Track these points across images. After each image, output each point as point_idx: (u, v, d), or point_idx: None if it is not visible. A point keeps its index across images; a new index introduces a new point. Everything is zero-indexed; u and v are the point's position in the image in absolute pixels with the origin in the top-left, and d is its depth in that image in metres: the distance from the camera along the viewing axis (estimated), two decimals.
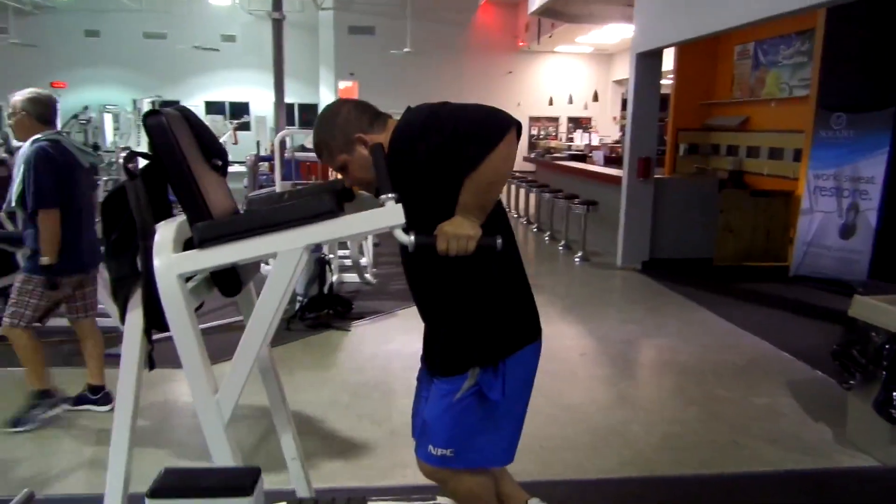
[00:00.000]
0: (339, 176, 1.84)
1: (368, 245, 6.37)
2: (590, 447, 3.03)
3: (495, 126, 1.49)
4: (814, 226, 6.06)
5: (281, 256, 1.50)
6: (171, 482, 0.70)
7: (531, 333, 1.81)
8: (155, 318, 1.62)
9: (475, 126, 1.50)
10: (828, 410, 3.37)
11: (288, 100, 11.29)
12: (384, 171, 1.53)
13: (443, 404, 1.72)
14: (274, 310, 1.53)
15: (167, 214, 1.73)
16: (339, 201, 1.58)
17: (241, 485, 0.69)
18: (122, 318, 1.71)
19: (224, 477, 0.72)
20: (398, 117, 1.69)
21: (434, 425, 1.74)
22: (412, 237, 1.52)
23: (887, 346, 2.80)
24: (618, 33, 13.29)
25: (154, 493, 0.69)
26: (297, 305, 4.84)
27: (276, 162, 6.93)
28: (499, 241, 1.54)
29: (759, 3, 4.71)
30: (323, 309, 4.86)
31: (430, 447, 1.74)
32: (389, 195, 1.49)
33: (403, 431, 3.03)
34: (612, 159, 11.55)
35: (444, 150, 1.52)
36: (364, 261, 6.15)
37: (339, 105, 1.75)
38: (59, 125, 3.50)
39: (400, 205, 1.48)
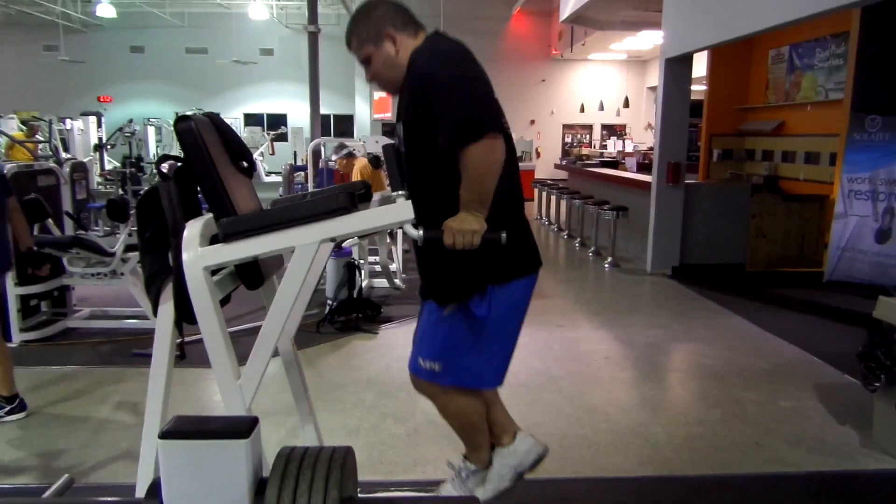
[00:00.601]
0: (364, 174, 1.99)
1: (398, 251, 6.48)
2: (610, 446, 3.06)
3: (473, 125, 1.60)
4: (848, 230, 5.96)
5: (298, 250, 1.61)
6: (180, 426, 0.80)
7: (523, 268, 1.87)
8: (185, 311, 1.74)
9: (457, 119, 1.61)
10: (855, 414, 3.33)
11: (323, 111, 11.56)
12: (394, 170, 1.63)
13: (433, 318, 1.83)
14: (292, 300, 1.63)
15: (197, 214, 1.85)
16: (353, 200, 1.68)
17: (240, 429, 0.79)
18: (155, 311, 1.84)
19: (226, 423, 0.82)
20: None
21: (425, 338, 1.84)
22: (421, 232, 1.61)
23: None
24: (651, 40, 13.21)
25: (164, 434, 0.79)
26: (327, 309, 4.97)
27: (310, 170, 7.13)
28: (503, 235, 1.62)
29: (787, 6, 4.69)
30: (352, 312, 4.98)
31: (420, 359, 1.85)
32: (400, 192, 1.58)
33: (426, 430, 3.12)
34: (645, 166, 11.49)
35: (430, 112, 1.64)
36: (393, 266, 6.26)
37: (378, 1, 1.85)
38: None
39: (410, 202, 1.58)
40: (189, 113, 1.93)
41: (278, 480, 0.72)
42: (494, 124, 1.61)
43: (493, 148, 1.60)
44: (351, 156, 6.43)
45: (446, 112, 1.61)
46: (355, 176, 6.10)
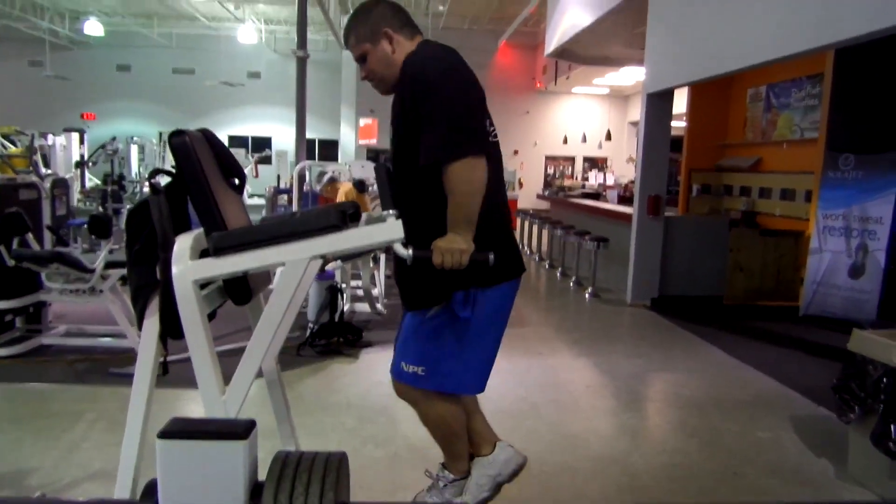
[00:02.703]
0: (349, 198, 2.00)
1: (380, 275, 6.48)
2: (589, 474, 3.06)
3: (456, 143, 1.64)
4: (823, 265, 6.09)
5: (288, 266, 1.62)
6: (178, 427, 0.80)
7: (506, 273, 1.89)
8: (170, 326, 1.74)
9: (441, 133, 1.65)
10: (831, 445, 3.38)
11: (309, 135, 11.59)
12: (386, 191, 1.66)
13: (415, 322, 1.83)
14: (280, 315, 1.63)
15: (186, 228, 1.86)
16: (344, 218, 1.70)
17: (238, 431, 0.80)
18: (140, 324, 1.83)
19: (224, 425, 0.82)
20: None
21: (407, 342, 1.84)
22: (410, 251, 1.63)
23: (884, 380, 2.83)
24: (633, 76, 13.52)
25: (163, 434, 0.80)
26: (308, 332, 4.94)
27: (294, 193, 7.13)
28: (491, 256, 1.64)
29: (764, 47, 4.86)
30: (333, 336, 4.96)
31: (403, 364, 1.84)
32: (390, 212, 1.61)
33: (406, 455, 3.10)
34: (626, 198, 11.66)
35: (417, 116, 1.68)
36: (376, 291, 6.26)
37: (378, 0, 1.89)
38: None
39: (399, 221, 1.60)
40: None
41: (274, 483, 0.72)
42: (476, 145, 1.65)
43: (474, 168, 1.64)
44: (333, 181, 6.45)
45: (431, 125, 1.65)
46: (339, 199, 6.12)
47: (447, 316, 1.80)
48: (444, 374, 1.83)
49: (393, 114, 1.80)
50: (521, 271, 1.95)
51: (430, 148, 1.64)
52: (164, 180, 1.91)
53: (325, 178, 6.48)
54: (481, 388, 1.91)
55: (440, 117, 1.64)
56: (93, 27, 16.45)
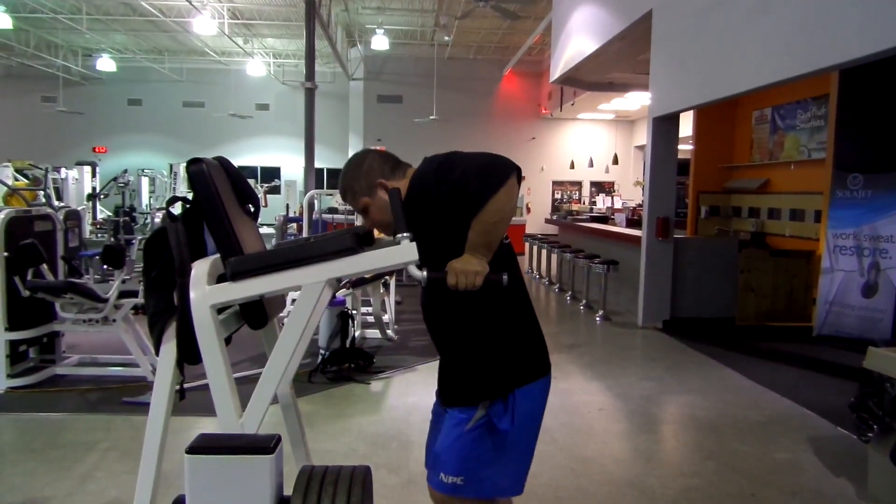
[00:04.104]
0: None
1: (391, 302, 6.49)
2: (605, 498, 3.03)
3: (498, 169, 1.66)
4: (835, 285, 6.06)
5: (305, 289, 1.64)
6: (206, 442, 0.81)
7: (540, 369, 1.90)
8: (187, 352, 1.75)
9: (481, 170, 1.66)
10: (849, 465, 3.33)
11: (318, 164, 11.71)
12: (399, 213, 1.68)
13: (454, 434, 1.81)
14: (297, 339, 1.65)
15: (202, 255, 1.89)
16: (359, 241, 1.72)
17: (264, 445, 0.80)
18: (157, 350, 1.85)
19: (251, 440, 0.83)
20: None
21: (445, 453, 1.82)
22: (424, 273, 1.65)
23: None
24: (638, 101, 13.61)
25: (192, 449, 0.80)
26: (320, 359, 4.94)
27: (304, 222, 7.19)
28: (504, 277, 1.66)
29: (767, 70, 4.90)
30: (344, 362, 4.96)
31: (442, 475, 1.81)
32: (404, 234, 1.63)
33: (419, 480, 3.08)
34: (634, 222, 11.66)
35: (453, 191, 1.67)
36: (386, 317, 6.26)
37: (365, 154, 1.94)
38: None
39: (414, 243, 1.62)
40: (185, 165, 1.98)
41: (301, 496, 0.73)
42: (512, 165, 1.68)
43: (511, 192, 1.65)
44: None
45: (469, 174, 1.66)
46: None
47: (486, 425, 1.80)
48: (485, 481, 1.82)
49: (411, 227, 1.75)
50: (550, 366, 1.96)
51: (479, 189, 1.63)
52: (179, 208, 1.94)
53: None
54: (520, 490, 1.90)
55: (473, 166, 1.67)
56: (105, 64, 16.79)
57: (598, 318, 7.32)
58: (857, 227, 5.93)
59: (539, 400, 1.90)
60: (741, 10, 5.20)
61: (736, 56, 5.31)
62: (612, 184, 18.62)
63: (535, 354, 1.91)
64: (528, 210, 17.43)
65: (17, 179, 11.41)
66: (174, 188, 15.31)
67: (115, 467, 3.24)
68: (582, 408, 4.31)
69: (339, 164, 19.58)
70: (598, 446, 3.69)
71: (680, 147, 7.16)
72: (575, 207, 16.18)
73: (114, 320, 4.53)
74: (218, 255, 1.79)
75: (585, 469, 3.34)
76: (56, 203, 10.21)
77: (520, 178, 1.70)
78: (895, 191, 5.69)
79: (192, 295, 1.64)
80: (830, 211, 6.25)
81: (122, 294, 4.55)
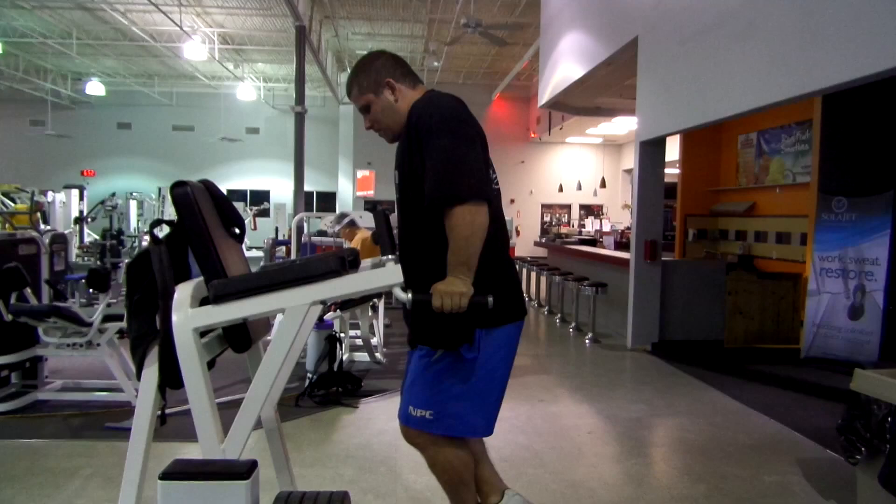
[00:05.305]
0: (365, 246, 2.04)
1: (379, 324, 6.46)
2: None
3: (456, 189, 1.67)
4: (822, 307, 6.09)
5: (288, 312, 1.63)
6: (180, 468, 0.80)
7: (511, 314, 1.89)
8: (170, 376, 1.73)
9: (441, 175, 1.68)
10: (839, 488, 3.32)
11: (307, 188, 11.73)
12: (385, 236, 1.68)
13: (422, 365, 1.82)
14: (280, 362, 1.63)
15: (186, 278, 1.88)
16: (344, 264, 1.72)
17: (239, 471, 0.79)
18: (139, 375, 1.82)
19: (226, 465, 0.81)
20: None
21: (413, 385, 1.82)
22: (409, 295, 1.64)
23: (890, 419, 2.80)
24: (625, 125, 13.78)
25: (165, 475, 0.79)
26: (307, 382, 4.89)
27: (293, 244, 7.17)
28: (490, 299, 1.65)
29: (751, 95, 4.98)
30: (332, 386, 4.91)
31: (411, 408, 1.81)
32: (389, 257, 1.63)
33: None
34: (623, 244, 11.73)
35: (422, 160, 1.72)
36: (375, 340, 6.23)
37: (380, 52, 1.96)
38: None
39: (399, 266, 1.62)
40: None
41: None
42: (477, 191, 1.68)
43: (475, 213, 1.66)
44: (353, 224, 6.44)
45: (434, 168, 1.69)
46: (354, 244, 6.12)
47: (453, 358, 1.80)
48: (453, 417, 1.82)
49: (398, 159, 1.84)
50: (524, 313, 1.96)
51: (434, 190, 1.67)
52: (164, 231, 1.93)
53: (345, 220, 6.46)
54: (489, 431, 1.89)
55: (443, 161, 1.68)
56: (95, 87, 16.82)
57: (587, 341, 7.31)
58: (843, 249, 5.98)
59: (509, 340, 1.90)
60: (725, 37, 5.30)
61: (721, 81, 5.39)
62: (600, 207, 18.77)
63: (507, 300, 1.88)
64: (518, 233, 17.50)
65: (3, 205, 11.35)
66: (162, 212, 15.26)
67: (97, 494, 3.18)
68: (571, 431, 4.28)
69: (329, 187, 19.74)
70: (588, 470, 3.66)
71: (667, 171, 7.23)
72: (564, 230, 16.26)
73: (98, 344, 4.47)
74: (202, 279, 1.78)
75: (574, 493, 3.31)
76: (42, 227, 10.14)
77: (492, 203, 1.73)
78: (879, 214, 5.75)
79: (175, 318, 1.62)
80: (816, 234, 6.31)
81: (107, 318, 4.50)
